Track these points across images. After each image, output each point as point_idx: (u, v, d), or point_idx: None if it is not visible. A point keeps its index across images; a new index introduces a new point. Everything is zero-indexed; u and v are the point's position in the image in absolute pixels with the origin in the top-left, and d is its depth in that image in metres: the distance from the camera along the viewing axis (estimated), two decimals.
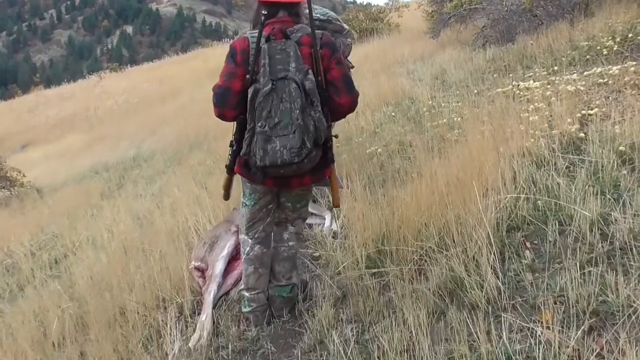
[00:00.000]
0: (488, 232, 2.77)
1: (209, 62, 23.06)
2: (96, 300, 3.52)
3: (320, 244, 3.53)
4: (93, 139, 16.77)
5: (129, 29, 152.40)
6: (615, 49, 5.30)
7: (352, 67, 4.26)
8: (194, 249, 3.68)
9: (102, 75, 34.89)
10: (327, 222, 3.75)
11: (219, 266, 3.32)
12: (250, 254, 2.78)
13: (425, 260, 2.85)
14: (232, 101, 2.52)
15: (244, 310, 2.89)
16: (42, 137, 22.01)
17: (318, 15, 3.79)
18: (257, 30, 2.51)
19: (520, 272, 2.57)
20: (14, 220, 7.78)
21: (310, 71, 2.44)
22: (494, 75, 6.13)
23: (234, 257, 3.43)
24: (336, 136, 2.72)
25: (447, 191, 3.34)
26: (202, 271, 3.47)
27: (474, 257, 2.72)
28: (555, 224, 2.79)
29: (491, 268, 2.58)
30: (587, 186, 3.01)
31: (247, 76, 2.47)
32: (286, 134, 2.34)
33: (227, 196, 2.86)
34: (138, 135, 13.51)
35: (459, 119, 4.96)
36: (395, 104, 6.37)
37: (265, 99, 2.37)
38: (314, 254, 3.47)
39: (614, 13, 6.39)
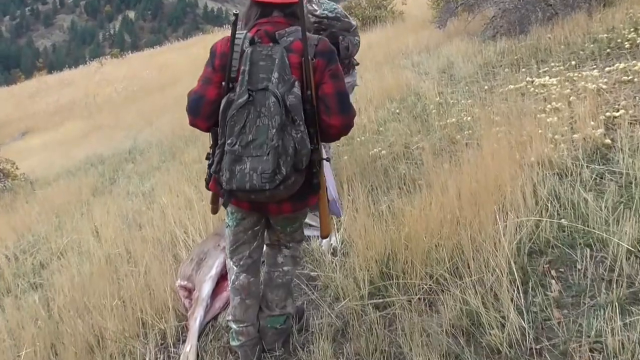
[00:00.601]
0: (508, 258, 2.45)
1: (209, 49, 22.57)
2: (73, 322, 3.21)
3: (317, 262, 3.19)
4: (91, 128, 16.48)
5: (131, 14, 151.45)
6: (638, 41, 4.92)
7: (357, 64, 3.92)
8: (180, 265, 3.36)
9: (102, 62, 34.54)
10: None
11: (206, 288, 3.00)
12: (236, 283, 2.45)
13: (436, 290, 2.53)
14: (205, 110, 2.17)
15: (232, 343, 2.56)
16: (42, 125, 21.78)
17: (326, 12, 3.45)
18: (243, 31, 2.17)
19: (545, 308, 2.24)
20: (2, 219, 7.47)
21: (297, 83, 2.06)
22: (506, 70, 5.75)
23: (223, 277, 3.10)
24: (327, 159, 2.34)
25: (459, 205, 3.01)
26: (188, 291, 3.16)
27: (491, 288, 2.39)
28: (585, 249, 2.46)
29: (512, 302, 2.25)
30: (618, 204, 2.68)
31: (223, 83, 2.13)
32: (259, 155, 1.97)
33: (214, 210, 2.51)
34: (135, 125, 13.19)
35: (469, 118, 4.61)
36: (400, 99, 5.99)
37: (239, 112, 2.01)
38: (311, 274, 3.13)
39: (635, 2, 6.01)
